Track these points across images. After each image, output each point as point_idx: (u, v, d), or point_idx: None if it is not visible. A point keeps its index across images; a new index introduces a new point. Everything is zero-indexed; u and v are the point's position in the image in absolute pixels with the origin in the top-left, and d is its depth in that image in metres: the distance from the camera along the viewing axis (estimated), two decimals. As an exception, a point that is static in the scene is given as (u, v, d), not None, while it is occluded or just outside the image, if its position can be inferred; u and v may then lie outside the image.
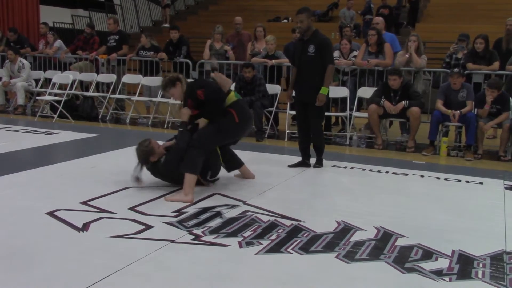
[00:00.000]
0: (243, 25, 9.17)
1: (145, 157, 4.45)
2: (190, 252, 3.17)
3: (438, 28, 12.78)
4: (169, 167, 4.39)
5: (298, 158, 5.76)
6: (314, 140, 5.64)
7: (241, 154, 5.05)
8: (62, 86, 9.57)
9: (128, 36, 10.71)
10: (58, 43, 10.34)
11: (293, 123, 8.33)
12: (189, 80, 4.89)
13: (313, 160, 5.64)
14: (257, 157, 5.91)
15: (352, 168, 5.69)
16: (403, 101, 6.76)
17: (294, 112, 7.77)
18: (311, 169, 5.51)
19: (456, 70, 6.71)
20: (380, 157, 6.46)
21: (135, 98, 8.99)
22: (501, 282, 2.89)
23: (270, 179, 4.98)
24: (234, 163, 4.89)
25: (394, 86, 6.82)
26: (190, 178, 4.22)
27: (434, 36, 11.99)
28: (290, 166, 5.59)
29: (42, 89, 9.73)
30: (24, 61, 9.62)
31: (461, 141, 7.09)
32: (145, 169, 4.55)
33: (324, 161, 5.77)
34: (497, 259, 3.22)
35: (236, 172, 4.98)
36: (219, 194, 4.42)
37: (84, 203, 4.00)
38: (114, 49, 9.60)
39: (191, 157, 4.26)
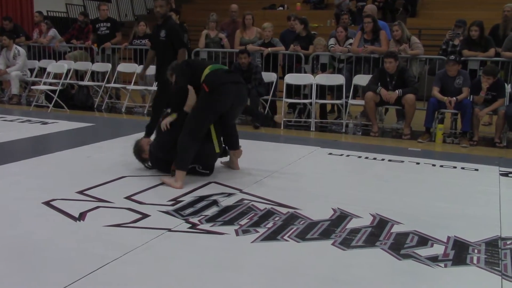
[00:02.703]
0: (239, 13, 9.11)
1: (138, 155, 4.76)
2: (186, 240, 3.18)
3: (435, 15, 12.72)
4: (153, 162, 4.65)
5: (295, 146, 5.74)
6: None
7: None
8: (57, 76, 9.51)
9: (122, 24, 10.61)
10: (53, 32, 10.25)
11: (289, 111, 8.34)
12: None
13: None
14: (253, 145, 5.91)
15: (348, 155, 5.70)
16: (397, 91, 6.76)
17: (290, 100, 7.83)
18: (306, 157, 5.51)
19: (452, 57, 6.71)
20: (376, 145, 6.46)
21: (131, 87, 8.95)
22: (496, 268, 2.91)
23: (266, 167, 4.98)
24: (232, 142, 4.81)
25: (389, 69, 6.81)
26: (179, 173, 4.27)
27: (431, 23, 11.94)
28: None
29: (37, 79, 9.67)
30: (20, 48, 9.56)
31: (457, 128, 7.10)
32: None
33: (320, 149, 5.77)
34: (492, 245, 3.24)
35: (223, 159, 4.96)
36: (215, 182, 4.42)
37: (81, 192, 4.00)
38: (107, 37, 9.52)
39: (181, 151, 4.27)
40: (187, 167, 4.31)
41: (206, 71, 4.41)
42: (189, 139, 4.27)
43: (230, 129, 4.76)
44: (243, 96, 4.76)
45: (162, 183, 4.32)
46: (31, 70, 9.83)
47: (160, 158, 4.54)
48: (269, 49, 7.96)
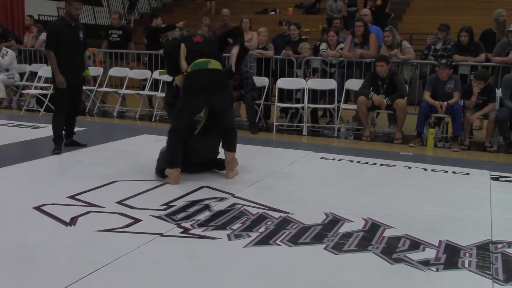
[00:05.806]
0: (230, 17, 9.12)
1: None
2: (178, 245, 3.17)
3: (424, 20, 12.82)
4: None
5: (287, 151, 5.71)
6: (74, 121, 5.97)
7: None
8: (48, 80, 9.43)
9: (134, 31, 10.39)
10: (44, 36, 10.19)
11: (281, 115, 8.35)
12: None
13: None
14: (246, 150, 5.89)
15: (340, 160, 5.71)
16: (385, 100, 6.80)
17: (282, 105, 7.83)
18: (298, 162, 5.52)
19: (443, 61, 6.75)
20: (368, 149, 6.48)
21: (122, 91, 8.92)
22: (487, 271, 2.92)
23: (258, 171, 4.98)
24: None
25: (381, 73, 6.84)
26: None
27: (421, 27, 12.03)
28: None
29: (28, 83, 9.62)
30: (9, 49, 9.52)
31: (448, 132, 7.14)
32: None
33: (312, 153, 5.78)
34: (483, 248, 3.26)
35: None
36: (207, 187, 4.42)
37: (72, 197, 3.98)
38: (117, 44, 9.44)
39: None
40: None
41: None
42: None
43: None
44: None
45: (155, 187, 4.31)
46: (22, 74, 9.78)
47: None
48: (257, 51, 7.94)
